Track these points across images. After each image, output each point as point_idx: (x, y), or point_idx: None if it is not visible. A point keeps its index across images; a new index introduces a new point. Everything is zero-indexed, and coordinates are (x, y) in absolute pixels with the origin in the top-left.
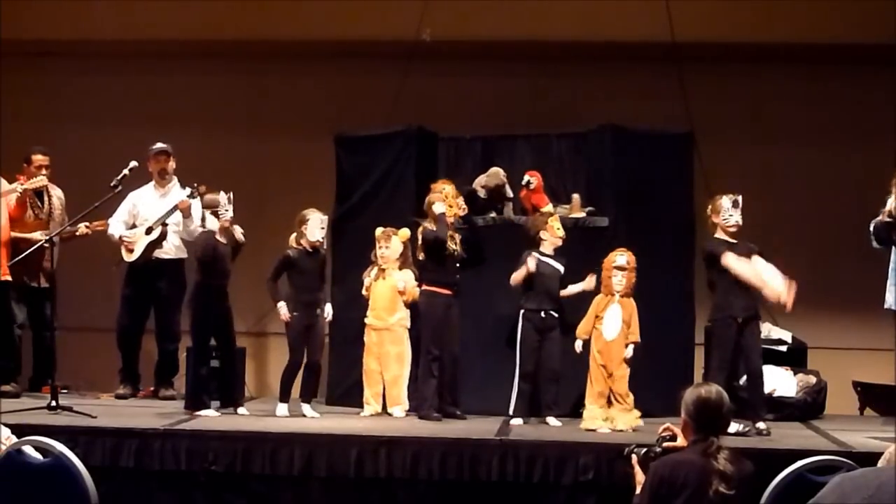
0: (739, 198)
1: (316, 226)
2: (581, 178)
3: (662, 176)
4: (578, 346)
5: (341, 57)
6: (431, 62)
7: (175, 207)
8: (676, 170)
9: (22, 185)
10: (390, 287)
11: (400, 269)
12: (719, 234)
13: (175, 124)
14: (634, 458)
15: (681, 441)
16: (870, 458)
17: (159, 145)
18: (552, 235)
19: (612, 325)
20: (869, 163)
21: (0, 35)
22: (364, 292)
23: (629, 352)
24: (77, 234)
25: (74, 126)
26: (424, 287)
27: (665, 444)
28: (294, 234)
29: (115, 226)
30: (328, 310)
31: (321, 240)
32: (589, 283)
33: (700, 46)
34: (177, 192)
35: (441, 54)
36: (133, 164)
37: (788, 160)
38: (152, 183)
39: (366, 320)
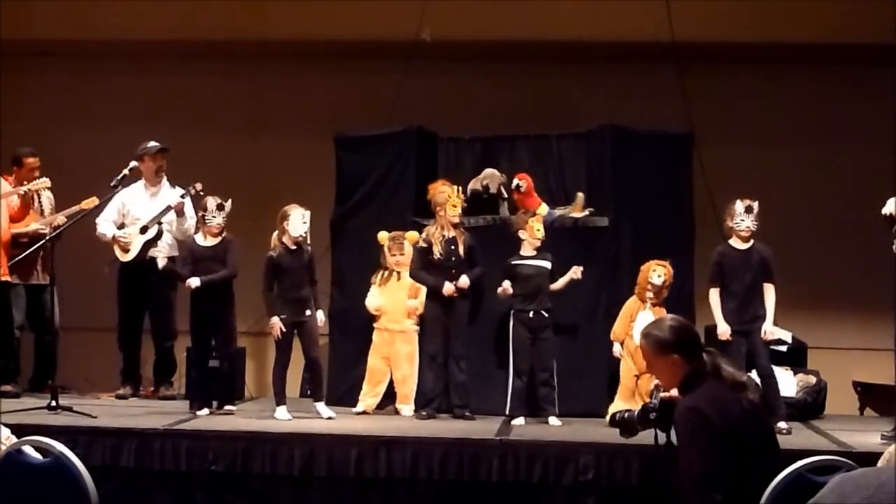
0: (755, 204)
1: (297, 221)
2: (581, 178)
3: (662, 176)
4: (616, 349)
5: (341, 57)
6: (431, 62)
7: (169, 207)
8: (676, 170)
9: (25, 186)
10: (405, 290)
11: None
12: (733, 239)
13: (175, 124)
14: (633, 416)
15: (675, 392)
16: (870, 458)
17: (157, 144)
18: (531, 236)
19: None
20: (868, 163)
21: (0, 35)
22: (372, 307)
23: None
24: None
25: (74, 126)
26: None
27: (662, 395)
28: (276, 232)
29: (106, 225)
30: (320, 315)
31: (304, 234)
32: (574, 272)
33: (700, 46)
34: (167, 191)
35: (441, 54)
36: (133, 163)
37: (788, 160)
38: (142, 182)
39: (376, 324)
